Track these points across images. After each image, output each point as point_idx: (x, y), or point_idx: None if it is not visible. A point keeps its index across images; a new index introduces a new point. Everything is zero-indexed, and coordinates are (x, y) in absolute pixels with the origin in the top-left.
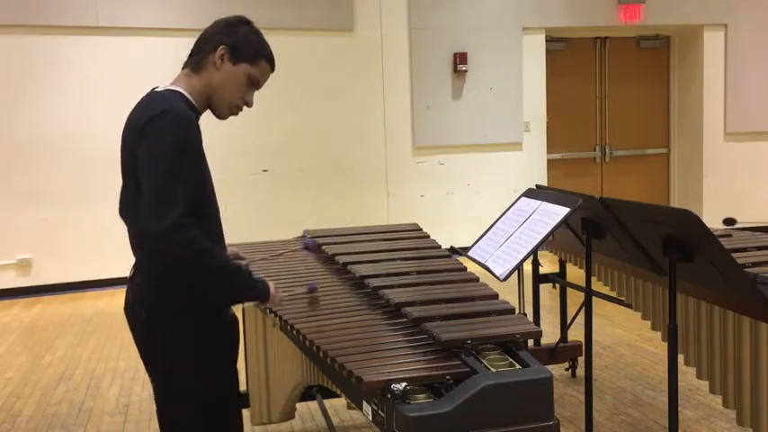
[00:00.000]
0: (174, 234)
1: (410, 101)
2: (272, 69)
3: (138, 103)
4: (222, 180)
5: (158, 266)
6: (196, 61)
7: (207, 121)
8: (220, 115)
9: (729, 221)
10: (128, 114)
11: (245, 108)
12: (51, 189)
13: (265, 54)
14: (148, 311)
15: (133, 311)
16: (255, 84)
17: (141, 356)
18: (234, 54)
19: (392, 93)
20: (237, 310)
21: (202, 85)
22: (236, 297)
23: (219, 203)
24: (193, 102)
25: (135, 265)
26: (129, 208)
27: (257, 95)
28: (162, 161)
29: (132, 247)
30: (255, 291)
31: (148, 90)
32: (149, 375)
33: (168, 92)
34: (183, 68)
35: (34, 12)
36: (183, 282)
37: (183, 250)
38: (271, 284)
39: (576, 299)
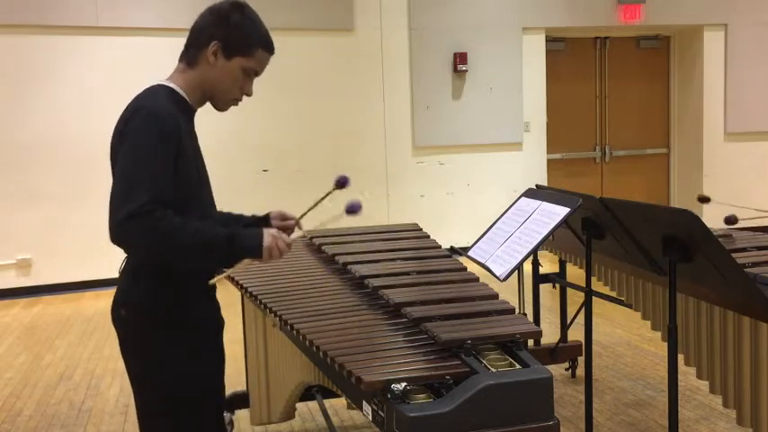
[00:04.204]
0: (129, 225)
1: (410, 101)
2: (272, 53)
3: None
4: (222, 180)
5: (136, 263)
6: (190, 56)
7: (207, 121)
8: (220, 109)
9: (731, 220)
10: None
11: (245, 104)
12: (51, 189)
13: (261, 42)
14: (126, 309)
15: (114, 310)
16: (253, 74)
17: (123, 358)
18: (227, 49)
19: (392, 93)
20: (237, 308)
21: (198, 81)
22: (224, 265)
23: (220, 204)
24: (186, 97)
25: (121, 264)
26: None
27: (257, 94)
28: (128, 158)
29: None
30: (243, 254)
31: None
32: (128, 375)
33: (156, 87)
34: (179, 61)
35: (34, 12)
36: (161, 278)
37: (141, 238)
38: (267, 235)
39: (576, 299)
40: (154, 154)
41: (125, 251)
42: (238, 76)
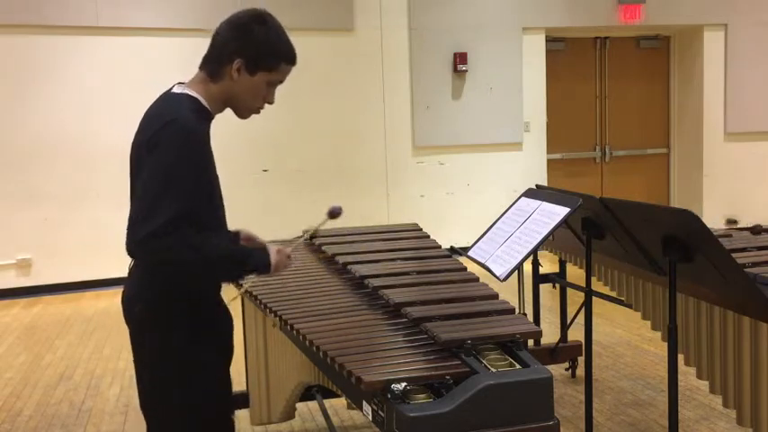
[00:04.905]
0: (150, 244)
1: (410, 101)
2: (294, 64)
3: (152, 105)
4: (222, 180)
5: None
6: (213, 69)
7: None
8: (242, 117)
9: (757, 230)
10: (142, 113)
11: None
12: (51, 189)
13: (284, 56)
14: (143, 306)
15: (128, 305)
16: (276, 85)
17: (132, 349)
18: (250, 65)
19: (392, 93)
20: (237, 307)
21: (220, 94)
22: (234, 279)
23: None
24: (208, 107)
25: (131, 262)
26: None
27: None
28: (157, 174)
29: None
30: (253, 268)
31: (149, 89)
32: (136, 370)
33: (180, 96)
34: (200, 69)
35: (34, 12)
36: (176, 278)
37: (158, 258)
38: (272, 251)
39: (576, 299)
40: (185, 171)
41: (142, 264)
42: (262, 89)
